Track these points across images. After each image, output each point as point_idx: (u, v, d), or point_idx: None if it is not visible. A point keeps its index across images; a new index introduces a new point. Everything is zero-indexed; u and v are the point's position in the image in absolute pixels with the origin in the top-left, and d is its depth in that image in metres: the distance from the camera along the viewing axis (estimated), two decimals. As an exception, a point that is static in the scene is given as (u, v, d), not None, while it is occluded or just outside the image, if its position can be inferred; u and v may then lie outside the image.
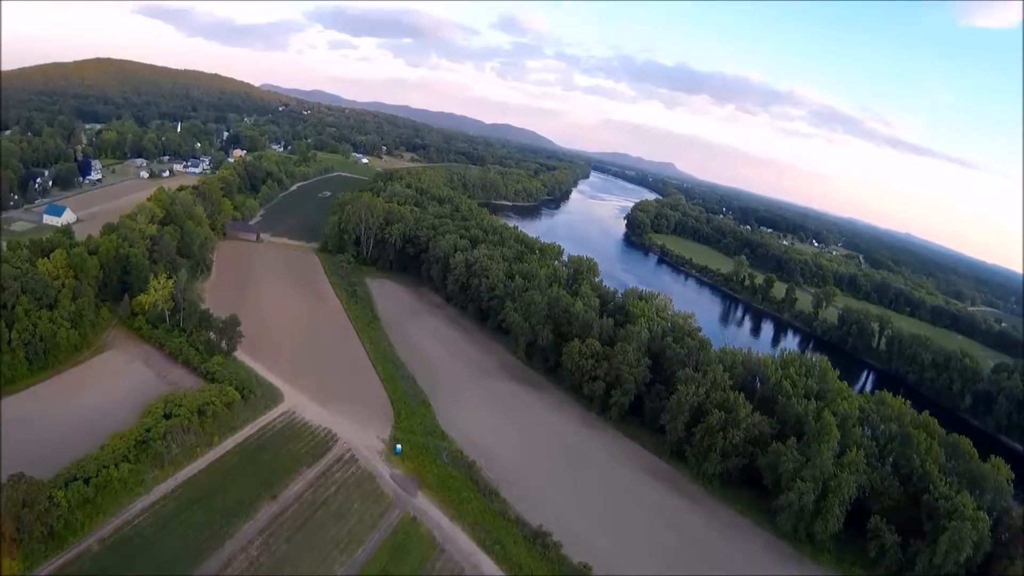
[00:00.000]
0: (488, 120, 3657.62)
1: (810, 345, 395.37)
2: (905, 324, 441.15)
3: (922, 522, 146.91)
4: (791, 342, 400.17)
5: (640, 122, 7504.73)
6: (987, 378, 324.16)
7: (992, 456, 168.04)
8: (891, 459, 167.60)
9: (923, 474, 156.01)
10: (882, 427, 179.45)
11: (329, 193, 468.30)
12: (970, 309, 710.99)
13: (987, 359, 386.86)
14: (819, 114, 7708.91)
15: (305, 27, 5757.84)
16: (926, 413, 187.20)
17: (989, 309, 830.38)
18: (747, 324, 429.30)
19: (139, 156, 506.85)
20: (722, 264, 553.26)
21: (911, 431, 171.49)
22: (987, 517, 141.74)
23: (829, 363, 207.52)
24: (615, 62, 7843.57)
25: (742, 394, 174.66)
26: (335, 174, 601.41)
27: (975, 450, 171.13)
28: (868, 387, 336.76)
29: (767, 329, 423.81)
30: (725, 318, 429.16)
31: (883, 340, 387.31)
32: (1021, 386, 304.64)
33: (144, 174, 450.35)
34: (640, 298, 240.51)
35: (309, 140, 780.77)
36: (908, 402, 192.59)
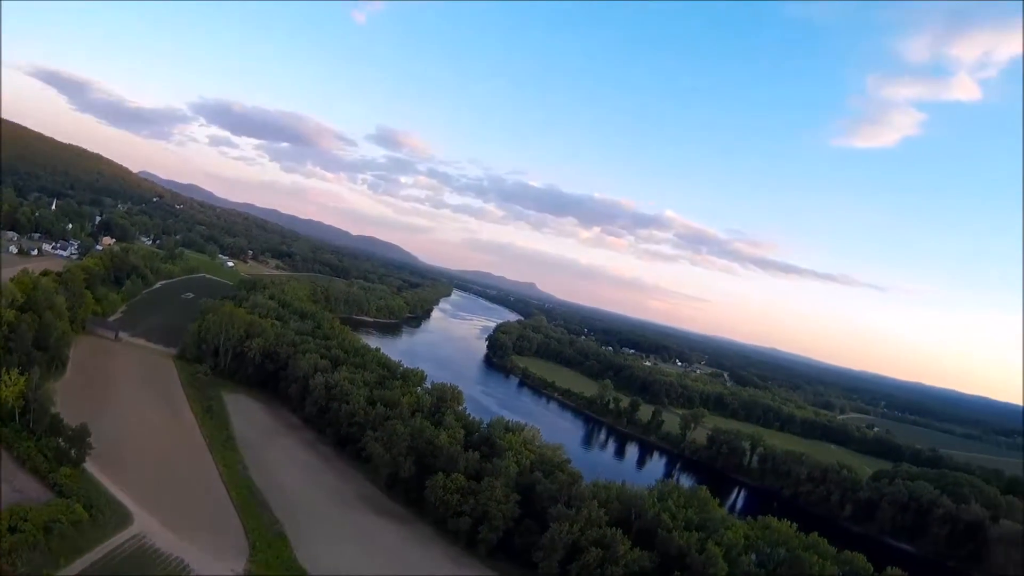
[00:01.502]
0: (355, 232, 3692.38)
1: (678, 466, 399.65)
2: (777, 440, 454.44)
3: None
4: (658, 464, 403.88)
5: (506, 242, 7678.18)
6: (867, 486, 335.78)
7: (889, 567, 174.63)
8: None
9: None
10: (769, 552, 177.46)
11: (192, 295, 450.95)
12: (840, 418, 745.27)
13: (864, 466, 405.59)
14: (685, 236, 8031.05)
15: (190, 119, 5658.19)
16: (815, 534, 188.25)
17: (860, 415, 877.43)
18: (612, 448, 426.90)
19: (12, 229, 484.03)
20: (586, 387, 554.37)
21: (800, 554, 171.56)
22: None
23: (709, 492, 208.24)
24: (486, 182, 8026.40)
25: (619, 529, 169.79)
26: (200, 275, 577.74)
27: (870, 564, 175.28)
28: (741, 504, 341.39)
29: (633, 452, 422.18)
30: (589, 442, 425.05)
31: (755, 458, 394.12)
32: (905, 490, 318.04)
33: (13, 249, 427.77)
34: (507, 429, 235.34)
35: (178, 236, 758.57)
36: (794, 524, 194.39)
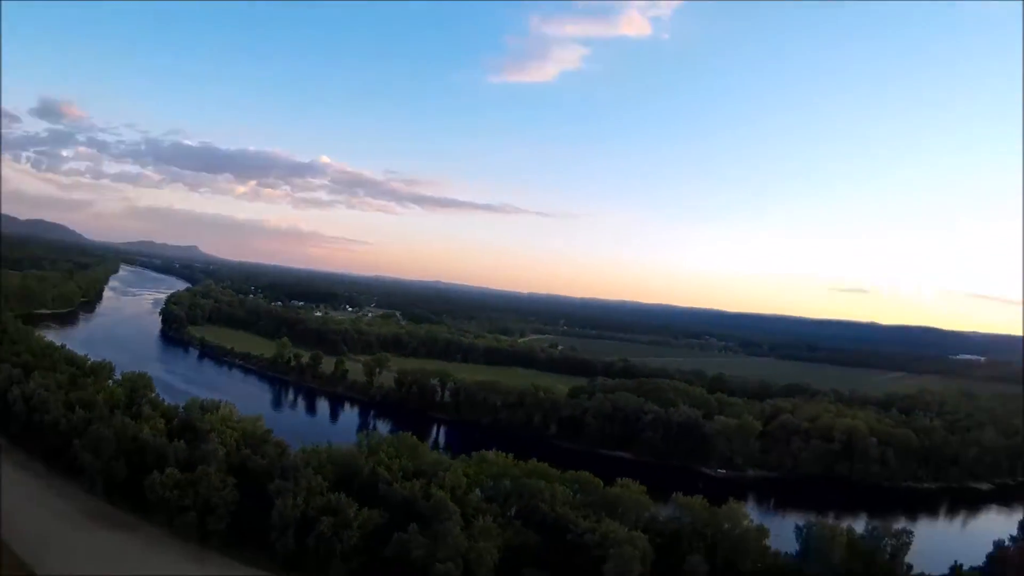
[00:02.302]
0: (23, 216, 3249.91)
1: (372, 413, 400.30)
2: (465, 372, 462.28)
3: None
4: (352, 414, 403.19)
5: (164, 206, 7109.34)
6: (567, 403, 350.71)
7: (619, 479, 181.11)
8: (513, 512, 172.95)
9: (556, 518, 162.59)
10: (493, 484, 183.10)
11: None
12: (521, 341, 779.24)
13: (558, 384, 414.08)
14: (341, 180, 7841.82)
15: None
16: (533, 460, 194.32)
17: (541, 336, 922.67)
18: (303, 406, 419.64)
19: None
20: (264, 348, 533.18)
21: (526, 481, 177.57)
22: (643, 535, 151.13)
23: (416, 438, 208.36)
24: (143, 146, 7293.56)
25: (342, 493, 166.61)
26: None
27: (599, 480, 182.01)
28: (444, 441, 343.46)
29: (325, 407, 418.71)
30: (279, 404, 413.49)
31: (447, 393, 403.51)
32: (607, 402, 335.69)
33: None
34: (203, 409, 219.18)
35: None
36: (510, 454, 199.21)
